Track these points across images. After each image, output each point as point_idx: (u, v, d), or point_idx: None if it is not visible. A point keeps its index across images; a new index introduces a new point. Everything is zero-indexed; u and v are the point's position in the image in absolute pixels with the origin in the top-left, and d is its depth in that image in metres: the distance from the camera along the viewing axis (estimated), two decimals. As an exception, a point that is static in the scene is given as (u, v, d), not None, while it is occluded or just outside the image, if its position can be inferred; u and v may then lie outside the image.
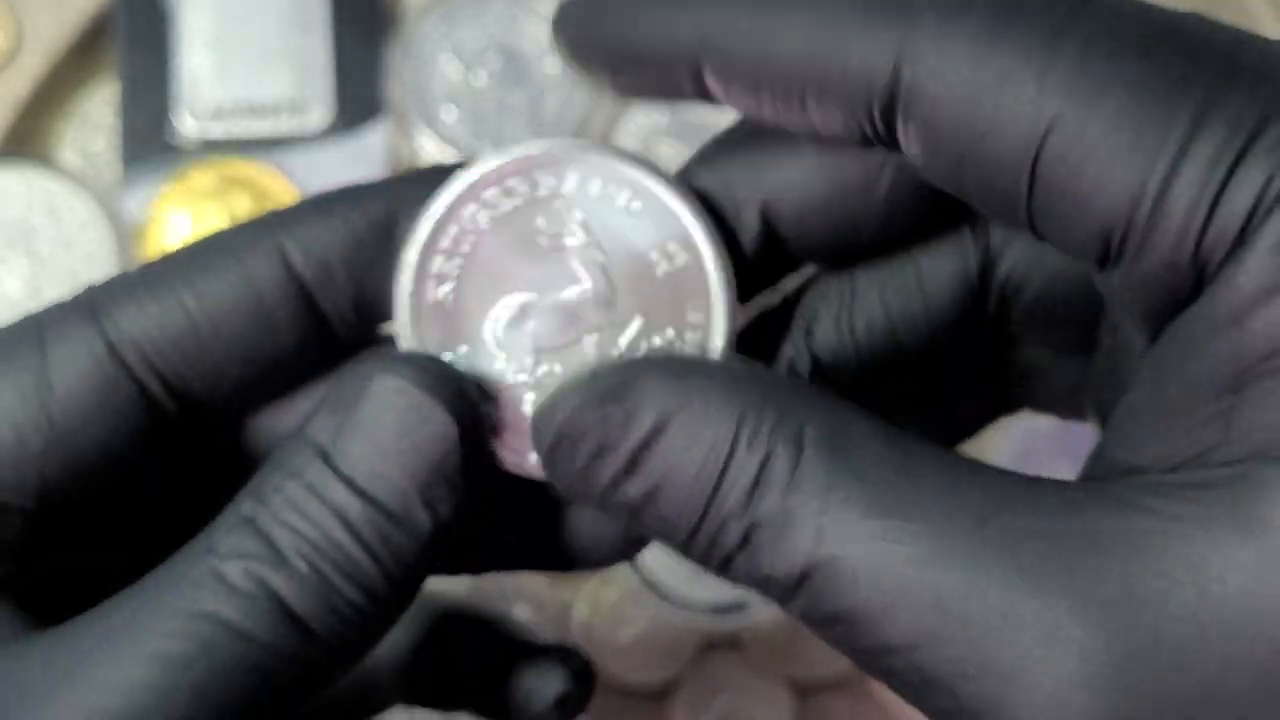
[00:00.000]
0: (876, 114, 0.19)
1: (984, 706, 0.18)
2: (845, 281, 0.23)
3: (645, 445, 0.20)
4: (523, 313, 0.23)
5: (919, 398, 0.25)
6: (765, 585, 0.19)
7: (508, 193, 0.23)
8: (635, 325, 0.23)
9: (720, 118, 0.23)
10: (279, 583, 0.20)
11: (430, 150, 0.45)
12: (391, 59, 0.46)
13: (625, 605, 0.44)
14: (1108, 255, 0.19)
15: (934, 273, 0.23)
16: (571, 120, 0.45)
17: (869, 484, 0.19)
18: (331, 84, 0.47)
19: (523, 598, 0.44)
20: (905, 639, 0.18)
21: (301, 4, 0.47)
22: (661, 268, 0.23)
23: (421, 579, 0.21)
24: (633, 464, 0.20)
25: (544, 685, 0.26)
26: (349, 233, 0.22)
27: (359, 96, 0.46)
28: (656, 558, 0.43)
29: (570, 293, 0.23)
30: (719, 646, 0.45)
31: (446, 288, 0.23)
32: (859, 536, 0.18)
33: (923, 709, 0.19)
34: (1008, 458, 0.45)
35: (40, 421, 0.22)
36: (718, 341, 0.23)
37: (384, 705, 0.28)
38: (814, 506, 0.19)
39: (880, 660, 0.19)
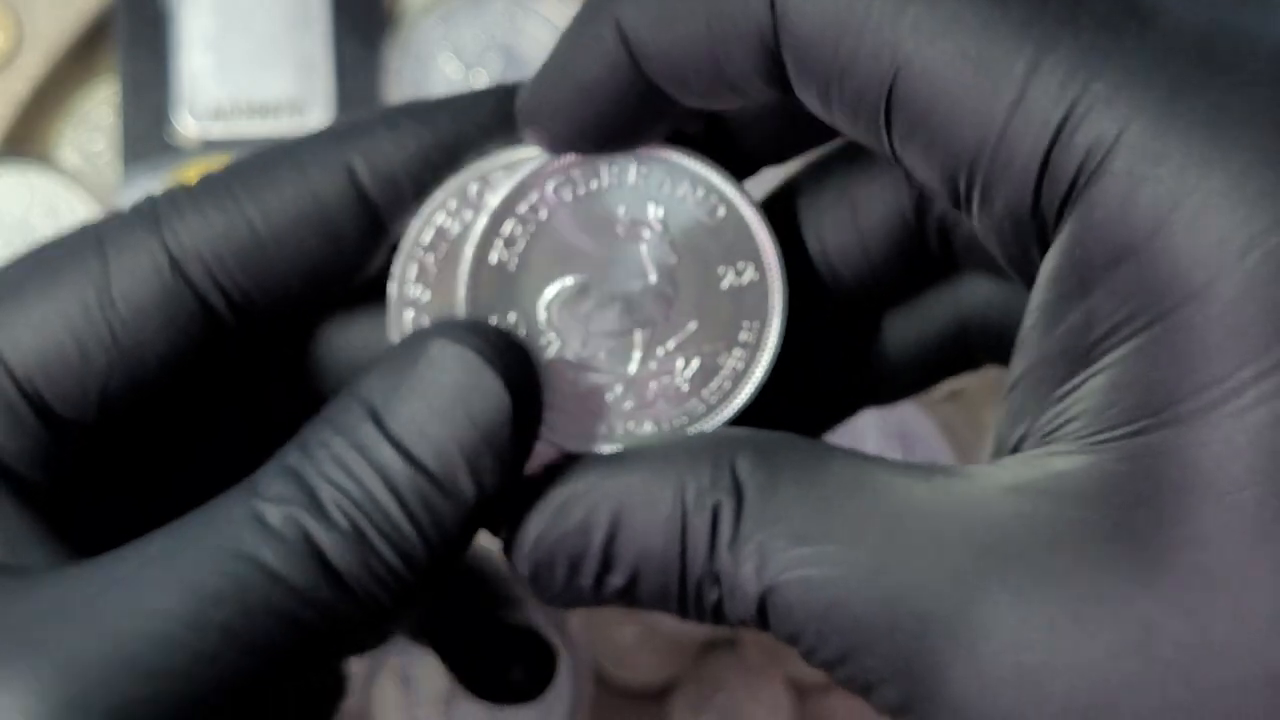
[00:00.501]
0: (769, 57, 0.20)
1: (908, 706, 0.19)
2: (781, 222, 0.24)
3: (610, 544, 0.21)
4: (582, 293, 0.23)
5: (868, 339, 0.25)
6: (747, 623, 0.21)
7: (595, 174, 0.23)
8: (688, 330, 0.23)
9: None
10: (319, 533, 0.20)
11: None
12: (391, 59, 0.46)
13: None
14: (959, 198, 0.19)
15: (869, 209, 0.23)
16: (571, 120, 0.45)
17: (792, 515, 0.20)
18: (331, 84, 0.47)
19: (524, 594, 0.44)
20: (837, 653, 0.19)
21: (301, 4, 0.47)
22: (728, 280, 0.23)
23: (462, 549, 0.21)
24: (606, 564, 0.21)
25: (504, 666, 0.27)
26: (418, 150, 0.22)
27: (359, 96, 0.46)
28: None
29: (634, 284, 0.23)
30: (719, 646, 0.45)
31: (512, 252, 0.23)
32: (787, 566, 0.19)
33: (877, 709, 0.20)
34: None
35: (103, 334, 0.22)
36: (760, 367, 0.23)
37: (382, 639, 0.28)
38: (754, 545, 0.20)
39: (833, 672, 0.20)
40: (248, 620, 0.19)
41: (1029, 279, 0.20)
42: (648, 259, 0.23)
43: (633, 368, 0.23)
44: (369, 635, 0.21)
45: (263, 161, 0.23)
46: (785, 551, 0.20)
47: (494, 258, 0.23)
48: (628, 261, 0.23)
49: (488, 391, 0.21)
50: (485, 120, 0.23)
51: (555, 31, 0.45)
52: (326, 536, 0.20)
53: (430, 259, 0.23)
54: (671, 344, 0.23)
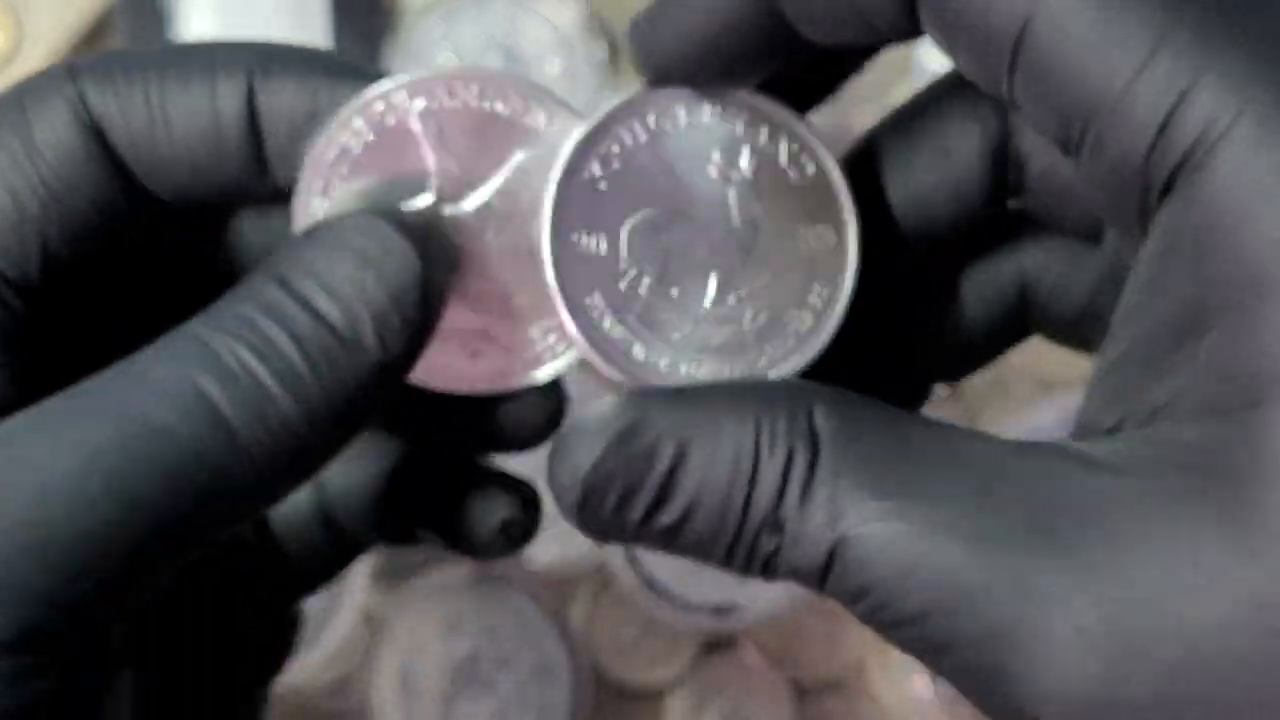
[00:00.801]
0: None
1: (988, 669, 0.18)
2: (862, 180, 0.24)
3: (670, 477, 0.20)
4: (666, 225, 0.23)
5: (941, 303, 0.25)
6: (802, 576, 0.20)
7: (700, 110, 0.23)
8: (761, 281, 0.23)
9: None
10: (209, 384, 0.20)
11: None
12: (391, 59, 0.46)
13: (625, 605, 0.44)
14: (1069, 144, 0.19)
15: (960, 144, 0.24)
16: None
17: (875, 467, 0.19)
18: (332, 84, 0.47)
19: (521, 601, 0.44)
20: (915, 610, 0.19)
21: (301, 4, 0.47)
22: (806, 241, 0.23)
23: (362, 416, 0.21)
24: (661, 498, 0.20)
25: (490, 512, 0.26)
26: (313, 103, 0.23)
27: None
28: (656, 558, 0.43)
29: (718, 227, 0.23)
30: (719, 646, 0.45)
31: (606, 171, 0.23)
32: (869, 517, 0.19)
33: (942, 673, 0.19)
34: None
35: (32, 179, 0.22)
36: (824, 334, 0.23)
37: (355, 553, 0.28)
38: (827, 494, 0.19)
39: (900, 632, 0.19)
40: (132, 472, 0.19)
41: (1124, 226, 0.20)
42: (735, 204, 0.23)
43: (704, 308, 0.23)
44: (264, 498, 0.21)
45: (184, 52, 0.23)
46: (865, 503, 0.19)
47: (586, 174, 0.23)
48: (715, 203, 0.23)
49: (397, 254, 0.21)
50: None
51: (554, 31, 0.46)
52: (218, 388, 0.20)
53: (334, 176, 0.23)
54: (744, 292, 0.23)
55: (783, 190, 0.23)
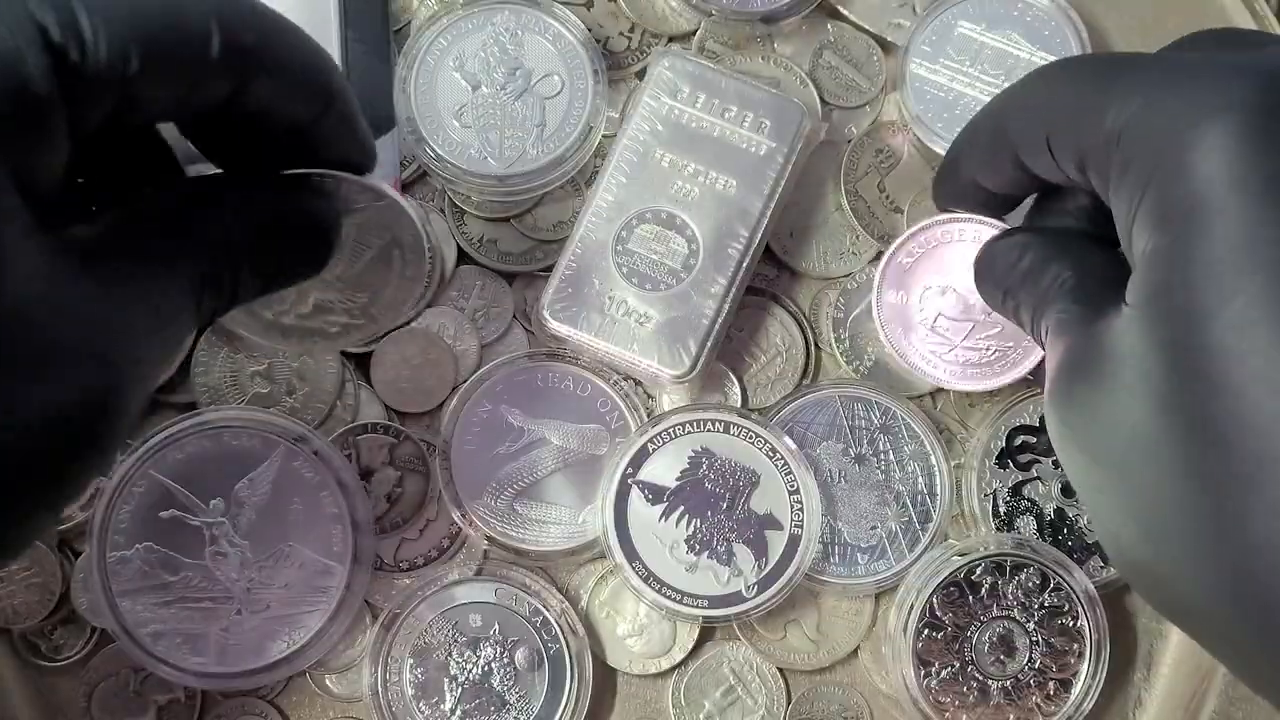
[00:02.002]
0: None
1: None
2: None
3: (1023, 264, 0.37)
4: (944, 292, 0.43)
5: None
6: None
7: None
8: (1007, 341, 0.44)
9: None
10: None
11: (437, 162, 0.46)
12: (399, 70, 0.46)
13: (626, 597, 0.45)
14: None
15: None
16: (575, 131, 0.46)
17: None
18: (340, 93, 0.47)
19: (525, 593, 0.44)
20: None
21: (311, 17, 0.47)
22: None
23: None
24: (1022, 277, 0.37)
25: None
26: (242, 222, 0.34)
27: (369, 109, 0.46)
28: (656, 552, 0.43)
29: (978, 312, 0.43)
30: (717, 640, 0.45)
31: (915, 254, 0.43)
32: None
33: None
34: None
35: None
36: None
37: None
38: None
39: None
40: None
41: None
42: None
43: (958, 343, 0.43)
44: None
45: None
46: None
47: (902, 257, 0.43)
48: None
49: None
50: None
51: (559, 41, 0.46)
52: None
53: None
54: (992, 343, 0.43)
55: None
